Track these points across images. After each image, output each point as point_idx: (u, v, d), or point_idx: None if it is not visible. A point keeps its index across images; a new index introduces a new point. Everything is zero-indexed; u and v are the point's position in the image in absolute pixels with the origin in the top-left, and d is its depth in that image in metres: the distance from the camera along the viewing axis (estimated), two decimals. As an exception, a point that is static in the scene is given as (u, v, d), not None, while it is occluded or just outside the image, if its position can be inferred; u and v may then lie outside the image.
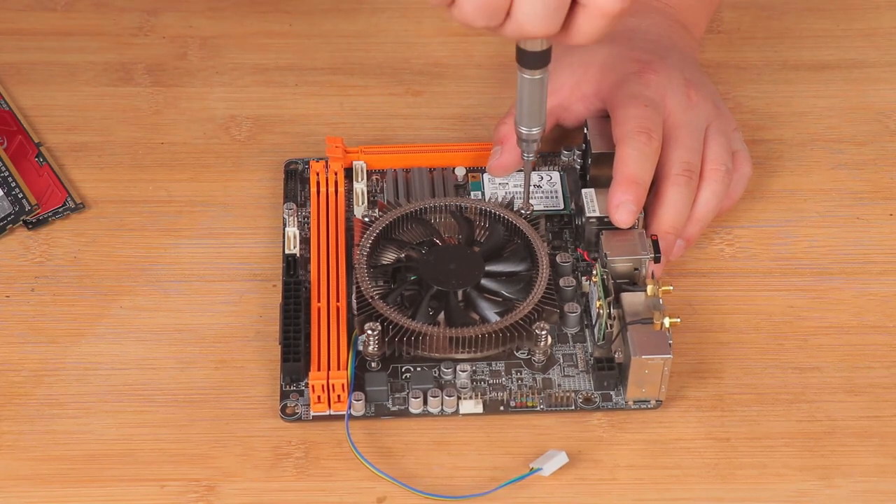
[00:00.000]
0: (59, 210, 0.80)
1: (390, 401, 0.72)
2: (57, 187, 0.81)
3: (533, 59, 0.70)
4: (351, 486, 0.69)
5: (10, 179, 0.81)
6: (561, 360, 0.74)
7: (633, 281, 0.74)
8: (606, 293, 0.73)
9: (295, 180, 0.82)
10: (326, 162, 0.81)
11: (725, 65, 0.90)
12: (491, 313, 0.74)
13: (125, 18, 0.92)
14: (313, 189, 0.80)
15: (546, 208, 0.80)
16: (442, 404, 0.71)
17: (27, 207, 0.80)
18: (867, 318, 0.76)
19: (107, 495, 0.69)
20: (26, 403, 0.72)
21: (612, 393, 0.72)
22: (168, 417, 0.72)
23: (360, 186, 0.81)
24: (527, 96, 0.72)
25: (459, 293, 0.74)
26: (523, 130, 0.73)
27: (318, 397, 0.71)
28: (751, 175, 0.80)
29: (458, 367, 0.72)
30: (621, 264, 0.73)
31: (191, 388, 0.73)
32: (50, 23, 0.92)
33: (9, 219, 0.80)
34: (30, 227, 0.80)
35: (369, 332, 0.71)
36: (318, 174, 0.80)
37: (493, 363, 0.73)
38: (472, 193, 0.81)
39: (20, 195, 0.80)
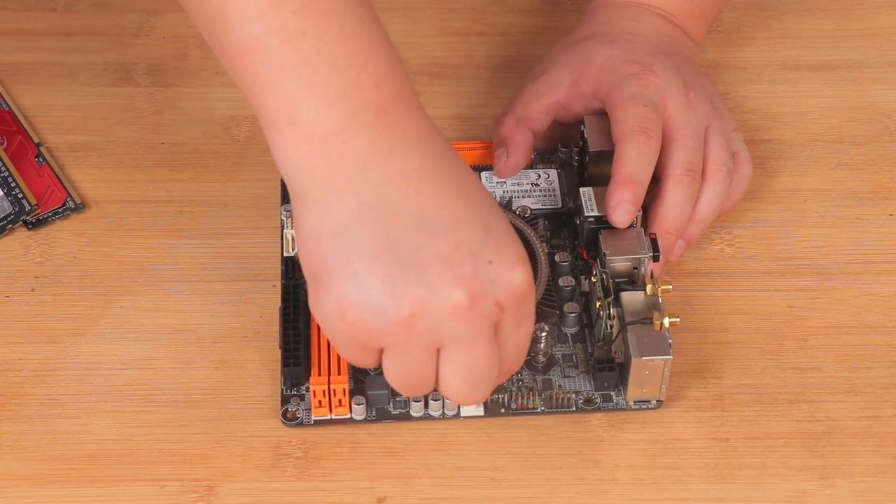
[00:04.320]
0: (59, 210, 0.80)
1: (391, 404, 0.72)
2: (57, 187, 0.81)
3: None
4: (351, 486, 0.69)
5: (10, 179, 0.81)
6: (561, 361, 0.73)
7: (632, 280, 0.74)
8: (606, 293, 0.72)
9: (294, 181, 0.82)
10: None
11: (725, 65, 0.90)
12: (491, 313, 0.73)
13: (125, 18, 0.92)
14: (313, 189, 0.79)
15: (544, 207, 0.80)
16: (443, 407, 0.71)
17: (27, 207, 0.80)
18: (867, 318, 0.76)
19: (107, 495, 0.69)
20: (26, 403, 0.72)
21: (612, 393, 0.72)
22: (168, 417, 0.72)
23: (359, 186, 0.80)
24: None
25: (459, 293, 0.74)
26: None
27: (320, 402, 0.70)
28: (752, 176, 0.80)
29: (457, 368, 0.72)
30: (620, 263, 0.73)
31: (191, 388, 0.73)
32: (50, 23, 0.92)
33: (9, 219, 0.79)
34: (30, 227, 0.80)
35: None
36: (317, 174, 0.80)
37: (493, 363, 0.73)
38: (471, 193, 0.81)
39: (20, 195, 0.80)
